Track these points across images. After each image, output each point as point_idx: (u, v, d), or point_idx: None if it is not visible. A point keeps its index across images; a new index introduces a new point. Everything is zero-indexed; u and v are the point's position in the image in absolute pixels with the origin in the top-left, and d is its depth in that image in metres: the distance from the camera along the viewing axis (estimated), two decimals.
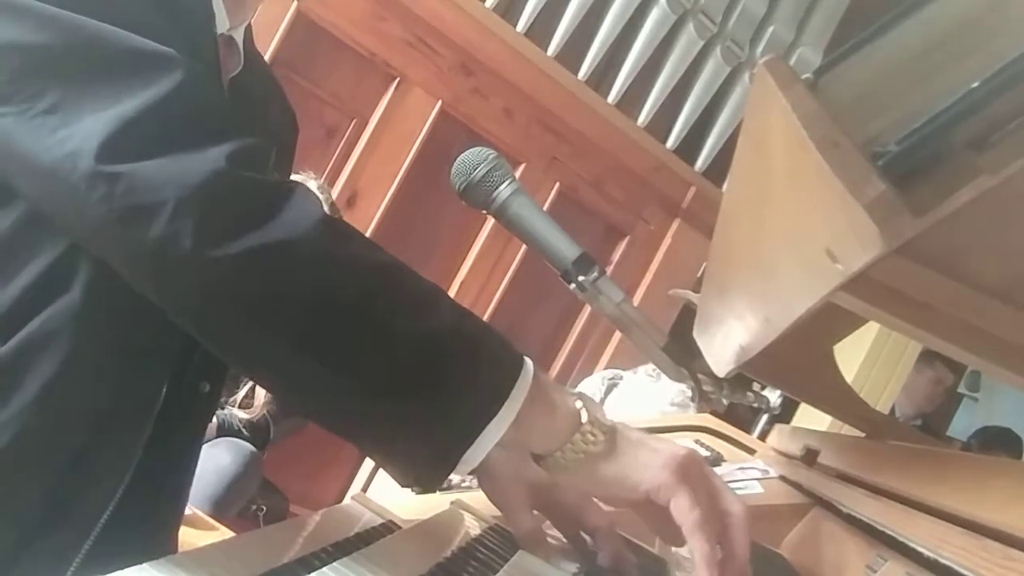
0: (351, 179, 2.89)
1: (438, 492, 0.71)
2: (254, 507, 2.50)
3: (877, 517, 0.81)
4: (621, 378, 2.68)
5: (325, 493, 2.98)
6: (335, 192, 2.84)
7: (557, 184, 3.20)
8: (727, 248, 0.95)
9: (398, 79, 2.89)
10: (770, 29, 3.39)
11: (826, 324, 1.03)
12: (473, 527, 0.78)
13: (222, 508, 2.24)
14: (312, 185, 2.47)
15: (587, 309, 3.17)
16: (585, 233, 3.21)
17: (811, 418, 2.27)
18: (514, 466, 0.72)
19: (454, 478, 0.69)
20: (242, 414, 2.40)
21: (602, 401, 2.57)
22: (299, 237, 0.64)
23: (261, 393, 2.43)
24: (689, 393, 1.07)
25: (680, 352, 1.02)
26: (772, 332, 0.78)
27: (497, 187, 0.94)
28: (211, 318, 0.66)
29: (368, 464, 1.75)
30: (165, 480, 0.88)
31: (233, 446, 2.35)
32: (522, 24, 3.05)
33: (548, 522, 0.78)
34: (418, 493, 0.69)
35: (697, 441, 1.48)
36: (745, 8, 3.32)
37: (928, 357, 3.71)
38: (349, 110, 2.88)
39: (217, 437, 2.37)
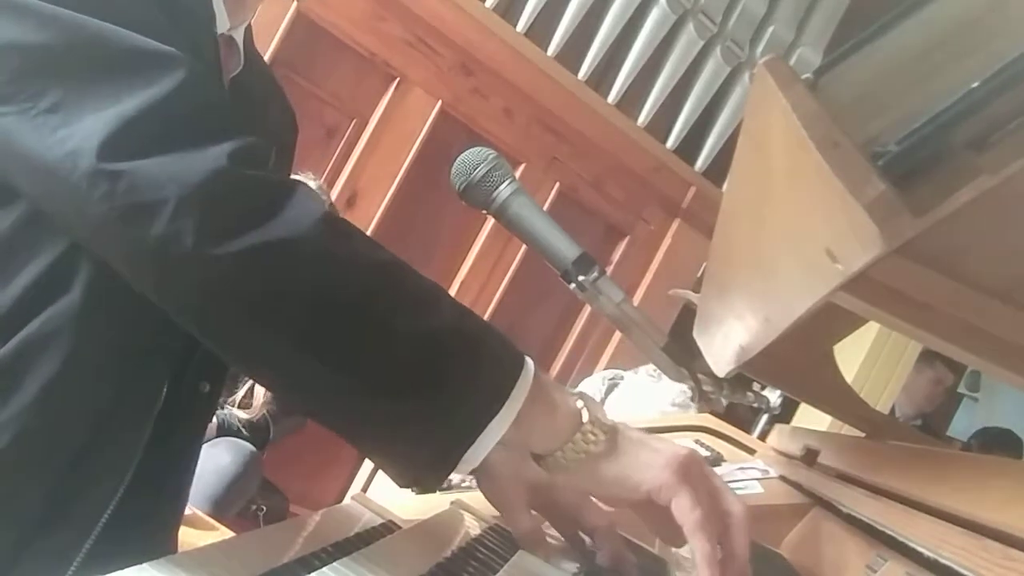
0: (351, 179, 2.89)
1: (438, 492, 0.71)
2: (254, 507, 2.50)
3: (877, 517, 0.81)
4: (622, 378, 2.68)
5: (325, 493, 2.98)
6: (335, 192, 2.84)
7: (557, 184, 3.20)
8: (727, 248, 0.95)
9: (398, 79, 2.89)
10: (770, 29, 3.39)
11: (826, 324, 1.03)
12: (473, 527, 0.77)
13: (222, 508, 2.24)
14: (311, 186, 2.47)
15: (587, 309, 3.17)
16: (585, 233, 3.21)
17: (811, 418, 2.27)
18: (513, 466, 0.72)
19: (454, 478, 0.69)
20: (242, 414, 2.40)
21: (603, 401, 2.57)
22: (300, 235, 0.64)
23: (260, 392, 2.43)
24: (690, 393, 1.07)
25: (680, 352, 1.02)
26: (772, 332, 0.78)
27: (497, 187, 0.94)
28: (212, 316, 0.66)
29: (368, 464, 1.75)
30: (165, 480, 0.88)
31: (233, 446, 2.35)
32: (522, 24, 3.05)
33: (548, 522, 0.78)
34: (418, 493, 0.69)
35: (697, 441, 1.48)
36: (745, 8, 3.32)
37: (928, 357, 3.70)
38: (349, 110, 2.88)
39: (217, 437, 2.37)
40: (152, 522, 0.88)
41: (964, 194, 0.54)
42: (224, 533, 1.85)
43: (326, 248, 0.66)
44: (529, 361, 0.67)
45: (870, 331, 3.21)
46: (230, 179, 0.65)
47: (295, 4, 2.64)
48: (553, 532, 0.78)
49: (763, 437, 1.74)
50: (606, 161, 3.27)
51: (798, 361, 1.06)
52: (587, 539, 0.77)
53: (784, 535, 1.09)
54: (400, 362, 0.64)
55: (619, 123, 3.26)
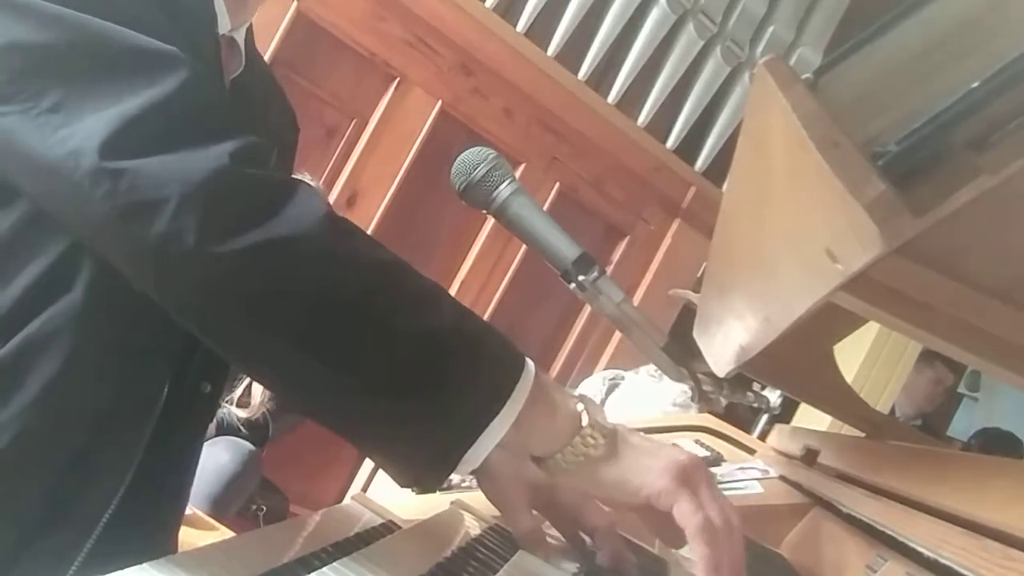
0: (351, 179, 2.89)
1: (438, 492, 0.71)
2: (254, 507, 2.50)
3: (877, 517, 0.81)
4: (622, 378, 2.68)
5: (325, 493, 2.98)
6: (335, 192, 2.84)
7: (557, 184, 3.20)
8: (727, 248, 0.95)
9: (398, 79, 2.89)
10: (770, 29, 3.39)
11: (826, 324, 1.03)
12: (473, 527, 0.77)
13: (221, 507, 2.24)
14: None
15: (587, 309, 3.17)
16: (585, 233, 3.21)
17: (811, 418, 2.27)
18: (514, 466, 0.72)
19: (454, 478, 0.69)
20: (241, 412, 2.40)
21: (603, 401, 2.57)
22: (302, 234, 0.65)
23: (259, 391, 2.42)
24: (690, 393, 1.07)
25: (680, 352, 1.02)
26: (772, 332, 0.78)
27: (497, 187, 0.94)
28: (213, 314, 0.66)
29: (368, 464, 1.75)
30: (166, 480, 0.88)
31: (232, 445, 2.35)
32: (522, 24, 3.05)
33: (548, 522, 0.78)
34: (418, 493, 0.68)
35: (697, 441, 1.48)
36: (745, 8, 3.31)
37: (928, 357, 3.70)
38: (349, 110, 2.88)
39: (216, 435, 2.37)
40: (153, 522, 0.88)
41: (964, 194, 0.54)
42: (224, 533, 1.85)
43: (327, 247, 0.66)
44: (530, 362, 0.67)
45: (870, 331, 3.21)
46: (232, 178, 0.65)
47: (295, 4, 2.64)
48: (553, 532, 0.78)
49: (763, 437, 1.74)
50: (606, 161, 3.27)
51: (798, 361, 1.06)
52: (587, 539, 0.77)
53: (784, 535, 1.09)
54: (400, 362, 0.64)
55: (619, 123, 3.26)
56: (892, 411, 3.73)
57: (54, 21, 0.69)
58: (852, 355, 3.32)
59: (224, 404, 2.39)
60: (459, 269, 3.13)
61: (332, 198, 2.81)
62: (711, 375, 1.05)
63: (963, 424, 4.98)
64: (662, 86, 3.29)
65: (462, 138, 2.94)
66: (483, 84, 3.01)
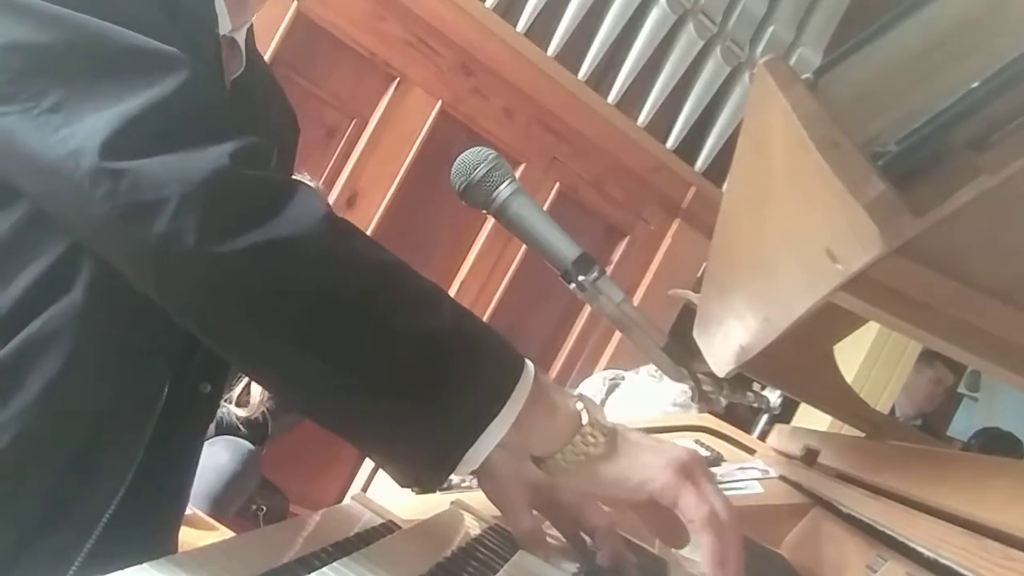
0: (351, 179, 2.89)
1: (438, 492, 0.71)
2: (254, 507, 2.50)
3: (877, 517, 0.81)
4: (623, 378, 2.68)
5: (325, 493, 2.98)
6: (335, 192, 2.84)
7: (557, 184, 3.20)
8: (727, 248, 0.95)
9: (398, 79, 2.89)
10: (770, 29, 3.39)
11: (826, 324, 1.03)
12: (473, 527, 0.78)
13: (221, 507, 2.24)
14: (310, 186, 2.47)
15: (587, 309, 3.17)
16: (585, 233, 3.21)
17: (811, 418, 2.27)
18: (514, 466, 0.72)
19: (454, 478, 0.69)
20: (240, 412, 2.40)
21: (603, 401, 2.57)
22: (302, 234, 0.65)
23: (258, 390, 2.42)
24: (690, 393, 1.07)
25: (680, 352, 1.02)
26: (772, 332, 0.78)
27: (497, 187, 0.94)
28: (213, 314, 0.66)
29: (368, 464, 1.75)
30: (166, 480, 0.88)
31: (231, 444, 2.35)
32: (522, 24, 3.05)
33: (548, 522, 0.78)
34: (418, 493, 0.69)
35: (697, 441, 1.48)
36: (745, 8, 3.31)
37: (928, 357, 3.70)
38: (349, 110, 2.88)
39: (215, 435, 2.37)
40: (153, 522, 0.88)
41: (964, 194, 0.54)
42: (224, 533, 1.85)
43: (327, 247, 0.66)
44: (529, 363, 0.67)
45: (870, 331, 3.21)
46: (232, 178, 0.65)
47: (295, 4, 2.64)
48: (553, 532, 0.78)
49: (763, 437, 1.74)
50: (606, 161, 3.27)
51: (798, 361, 1.06)
52: (587, 539, 0.77)
53: (784, 535, 1.09)
54: (400, 362, 0.64)
55: (619, 123, 3.26)
56: (892, 411, 3.73)
57: (54, 21, 0.69)
58: (852, 355, 3.31)
59: (223, 403, 2.39)
60: (459, 269, 3.13)
61: (332, 198, 2.81)
62: (711, 375, 1.05)
63: (963, 424, 4.98)
64: (662, 86, 3.29)
65: (462, 138, 2.94)
66: (483, 84, 3.01)
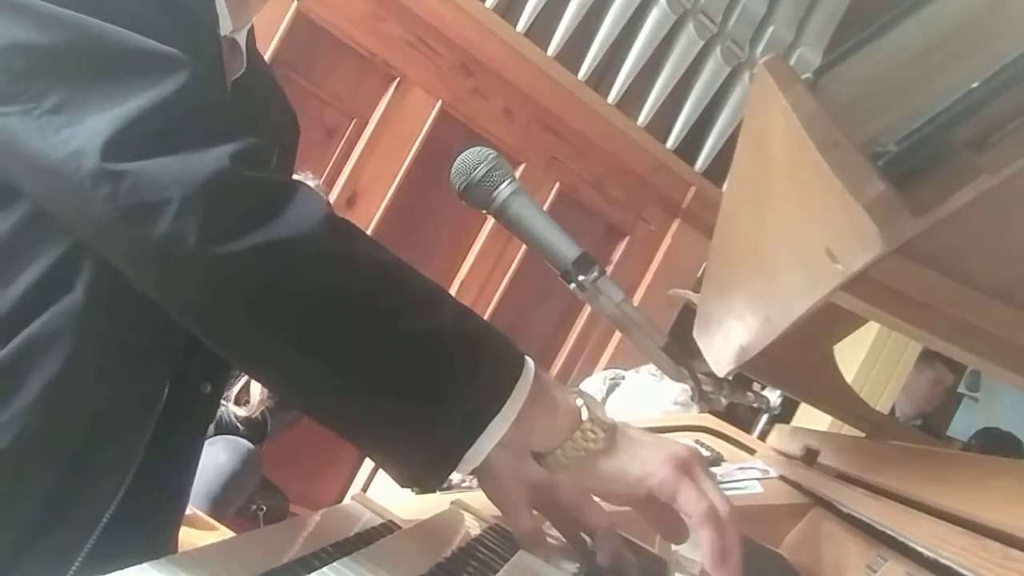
0: (351, 179, 2.89)
1: (438, 492, 0.71)
2: (254, 507, 2.50)
3: (877, 517, 0.81)
4: (623, 378, 2.68)
5: (325, 493, 2.98)
6: (335, 192, 2.84)
7: (557, 184, 3.20)
8: (727, 248, 0.95)
9: (398, 79, 2.89)
10: (770, 29, 3.39)
11: (826, 324, 1.03)
12: (473, 527, 0.78)
13: (221, 506, 2.24)
14: (308, 183, 2.47)
15: (587, 309, 3.17)
16: (585, 233, 3.21)
17: (811, 418, 2.27)
18: (514, 465, 0.72)
19: (454, 478, 0.69)
20: (240, 411, 2.40)
21: (604, 401, 2.57)
22: (303, 235, 0.65)
23: (257, 389, 2.42)
24: (691, 393, 1.07)
25: (680, 352, 1.02)
26: (772, 332, 0.78)
27: (497, 187, 0.94)
28: (214, 315, 0.66)
29: (368, 464, 1.74)
30: (166, 480, 0.88)
31: (231, 444, 2.35)
32: (522, 24, 3.05)
33: (548, 522, 0.78)
34: (418, 493, 0.69)
35: (697, 441, 1.48)
36: (745, 8, 3.31)
37: (928, 357, 3.70)
38: (349, 110, 2.88)
39: (214, 434, 2.37)
40: (153, 522, 0.88)
41: (964, 194, 0.54)
42: (224, 533, 1.85)
43: (328, 248, 0.66)
44: (529, 361, 0.68)
45: (870, 331, 3.21)
46: (232, 179, 0.65)
47: (295, 4, 2.64)
48: (553, 532, 0.78)
49: (763, 437, 1.74)
50: (606, 161, 3.27)
51: (798, 361, 1.06)
52: (587, 539, 0.77)
53: (784, 535, 1.09)
54: (401, 362, 0.64)
55: (619, 123, 3.26)
56: (892, 411, 3.73)
57: (56, 22, 0.69)
58: (852, 355, 3.31)
59: (223, 402, 2.39)
60: (459, 269, 3.13)
61: (332, 198, 2.81)
62: (711, 375, 1.05)
63: (963, 424, 4.98)
64: (662, 86, 3.29)
65: (462, 138, 2.94)
66: (483, 84, 3.01)
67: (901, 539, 0.74)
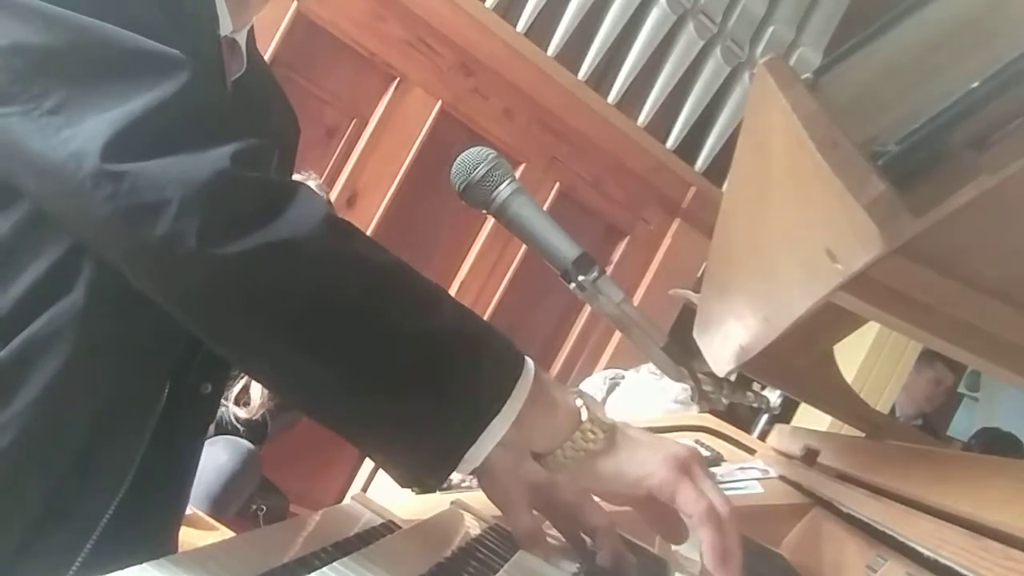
0: (351, 179, 2.89)
1: (438, 492, 0.72)
2: (254, 507, 2.49)
3: (877, 517, 0.81)
4: (623, 377, 2.68)
5: (325, 493, 2.98)
6: (335, 192, 2.84)
7: (557, 184, 3.20)
8: (727, 248, 0.95)
9: (398, 79, 2.89)
10: (770, 29, 3.39)
11: (826, 324, 1.03)
12: (473, 527, 0.78)
13: (220, 507, 2.24)
14: (310, 183, 2.47)
15: (587, 309, 3.17)
16: (585, 233, 3.21)
17: (811, 418, 2.27)
18: (514, 465, 0.72)
19: (454, 478, 0.70)
20: (241, 412, 2.40)
21: (604, 400, 2.57)
22: (303, 236, 0.65)
23: (258, 391, 2.42)
24: (691, 392, 1.07)
25: (680, 352, 1.02)
26: (772, 332, 0.78)
27: (497, 187, 0.94)
28: (214, 316, 0.66)
29: (368, 464, 1.75)
30: (167, 480, 0.88)
31: (231, 444, 2.35)
32: (522, 24, 3.05)
33: (548, 522, 0.78)
34: (419, 493, 0.69)
35: (697, 441, 1.48)
36: (745, 8, 3.31)
37: (928, 357, 3.70)
38: (349, 110, 2.88)
39: (215, 435, 2.37)
40: (153, 522, 0.88)
41: (964, 194, 0.54)
42: (224, 533, 1.85)
43: (328, 249, 0.66)
44: (529, 361, 0.68)
45: (870, 331, 3.21)
46: (232, 180, 0.66)
47: (295, 4, 2.64)
48: (553, 532, 0.78)
49: (763, 437, 1.74)
50: (606, 161, 3.27)
51: (798, 361, 1.06)
52: (587, 539, 0.77)
53: (784, 535, 1.09)
54: (401, 362, 0.64)
55: (619, 123, 3.26)
56: (892, 411, 3.73)
57: (57, 23, 0.69)
58: (852, 355, 3.32)
59: (223, 402, 2.39)
60: (459, 269, 3.13)
61: (332, 197, 2.80)
62: (711, 375, 1.05)
63: (963, 424, 4.99)
64: (662, 86, 3.29)
65: (462, 138, 2.94)
66: (483, 84, 3.01)
67: (901, 539, 0.74)
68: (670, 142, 3.37)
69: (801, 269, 0.68)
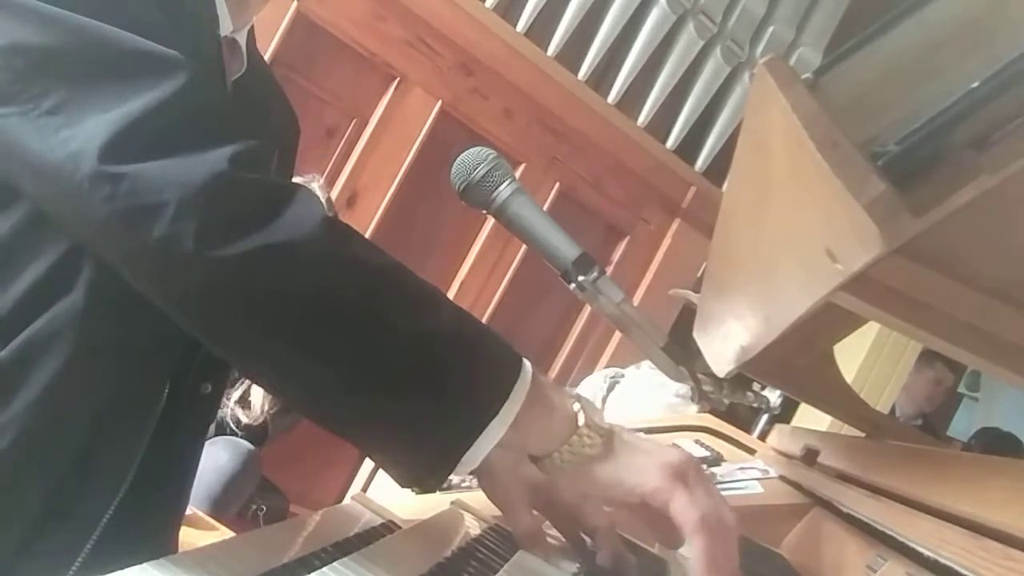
0: (351, 179, 2.88)
1: (438, 492, 0.71)
2: (254, 507, 2.49)
3: (877, 517, 0.81)
4: (623, 375, 2.68)
5: (325, 493, 2.98)
6: (335, 192, 2.84)
7: (557, 184, 3.20)
8: (727, 248, 0.95)
9: (398, 79, 2.89)
10: (770, 29, 3.39)
11: (826, 324, 1.03)
12: (473, 527, 0.78)
13: (220, 507, 2.24)
14: (313, 185, 2.47)
15: (587, 309, 3.17)
16: (585, 233, 3.20)
17: (811, 418, 2.27)
18: (514, 465, 0.72)
19: (454, 478, 0.70)
20: (243, 417, 2.40)
21: (605, 398, 2.56)
22: (301, 238, 0.65)
23: (259, 397, 2.42)
24: (691, 392, 1.07)
25: (680, 352, 1.02)
26: (772, 332, 0.78)
27: (497, 187, 0.94)
28: (212, 318, 0.66)
29: (368, 464, 1.75)
30: (167, 481, 0.88)
31: (231, 444, 2.35)
32: (522, 24, 3.05)
33: (548, 522, 0.78)
34: (418, 493, 0.69)
35: (697, 441, 1.48)
36: (745, 8, 3.31)
37: (928, 357, 3.71)
38: (349, 110, 2.88)
39: (215, 435, 2.37)
40: (153, 522, 0.88)
41: (964, 194, 0.54)
42: (224, 533, 1.85)
43: (326, 251, 0.66)
44: (527, 363, 0.68)
45: (870, 331, 3.21)
46: (230, 182, 0.65)
47: (295, 4, 2.64)
48: (553, 532, 0.78)
49: (763, 437, 1.74)
50: (606, 161, 3.27)
51: (798, 361, 1.06)
52: (587, 539, 0.77)
53: (784, 535, 1.09)
54: (400, 363, 0.64)
55: (619, 123, 3.26)
56: (892, 411, 3.73)
57: (56, 23, 0.69)
58: (852, 355, 3.32)
59: (224, 402, 2.39)
60: (459, 269, 3.13)
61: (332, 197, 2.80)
62: (711, 375, 1.05)
63: (963, 424, 4.99)
64: (662, 86, 3.29)
65: (462, 138, 2.94)
66: (483, 84, 3.01)
67: (901, 539, 0.74)
68: (670, 142, 3.37)
69: (801, 269, 0.68)
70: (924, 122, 0.57)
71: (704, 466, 1.10)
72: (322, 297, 0.65)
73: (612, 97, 3.24)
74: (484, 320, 3.11)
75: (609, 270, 2.99)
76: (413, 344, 0.65)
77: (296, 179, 1.81)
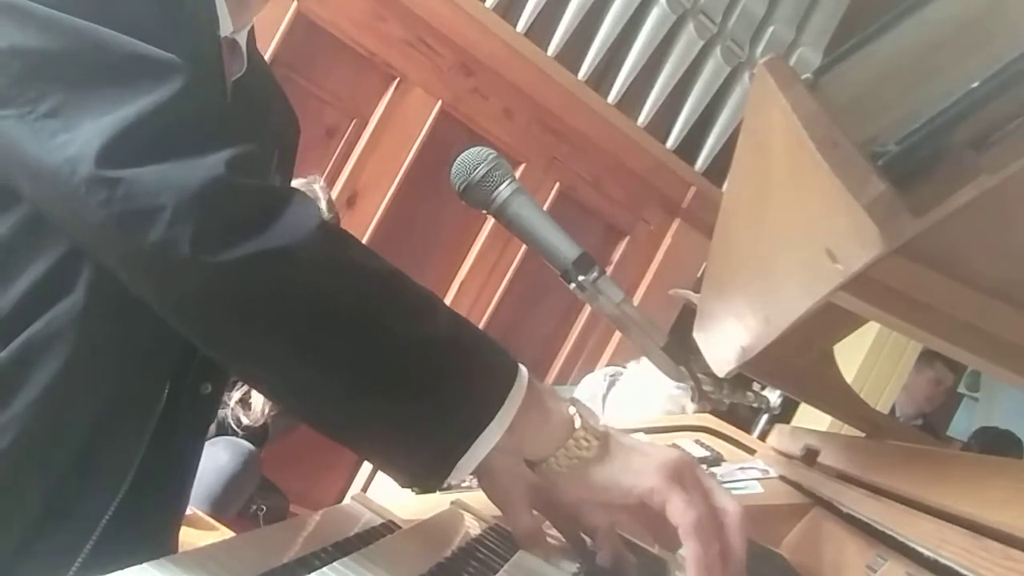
0: (351, 179, 2.88)
1: (438, 492, 0.72)
2: (254, 507, 2.49)
3: (877, 517, 0.81)
4: (623, 373, 2.67)
5: (325, 493, 2.98)
6: (335, 192, 2.84)
7: (557, 184, 3.20)
8: (727, 248, 0.95)
9: (398, 79, 2.89)
10: (770, 29, 3.39)
11: (826, 324, 1.03)
12: (473, 527, 0.78)
13: (220, 507, 2.24)
14: (314, 186, 2.47)
15: (587, 309, 3.17)
16: (585, 233, 3.20)
17: (811, 418, 2.27)
18: (514, 466, 0.72)
19: (453, 480, 0.70)
20: (243, 419, 2.40)
21: (605, 396, 2.56)
22: (297, 243, 0.65)
23: (259, 398, 2.42)
24: (691, 392, 1.07)
25: (680, 352, 1.02)
26: (772, 332, 0.78)
27: (497, 187, 0.94)
28: (209, 322, 0.66)
29: (368, 465, 1.74)
30: (167, 481, 0.88)
31: (231, 445, 2.35)
32: (522, 24, 3.05)
33: (548, 522, 0.78)
34: (418, 493, 0.69)
35: (697, 441, 1.48)
36: (745, 8, 3.31)
37: (928, 357, 3.71)
38: (349, 110, 2.88)
39: (215, 436, 2.37)
40: (153, 522, 0.88)
41: (964, 194, 0.54)
42: (224, 533, 1.85)
43: (323, 256, 0.66)
44: (523, 369, 0.68)
45: (870, 331, 3.21)
46: (227, 187, 0.65)
47: (295, 4, 2.64)
48: (553, 532, 0.78)
49: (763, 437, 1.74)
50: (606, 161, 3.26)
51: (798, 361, 1.06)
52: (587, 539, 0.77)
53: (784, 535, 1.09)
54: (396, 368, 0.64)
55: (619, 123, 3.26)
56: (892, 411, 3.73)
57: (54, 26, 0.69)
58: (852, 355, 3.32)
59: (224, 403, 2.38)
60: (459, 270, 3.12)
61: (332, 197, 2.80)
62: (711, 375, 1.05)
63: (963, 424, 4.99)
64: (662, 86, 3.28)
65: (462, 138, 2.94)
66: (483, 84, 3.01)
67: (901, 539, 0.74)
68: (670, 142, 3.37)
69: (801, 269, 0.68)
70: (924, 122, 0.57)
71: (704, 466, 1.10)
72: (318, 302, 0.65)
73: (612, 97, 3.24)
74: (484, 320, 3.12)
75: (609, 270, 2.99)
76: (410, 349, 0.65)
77: (297, 179, 1.81)
